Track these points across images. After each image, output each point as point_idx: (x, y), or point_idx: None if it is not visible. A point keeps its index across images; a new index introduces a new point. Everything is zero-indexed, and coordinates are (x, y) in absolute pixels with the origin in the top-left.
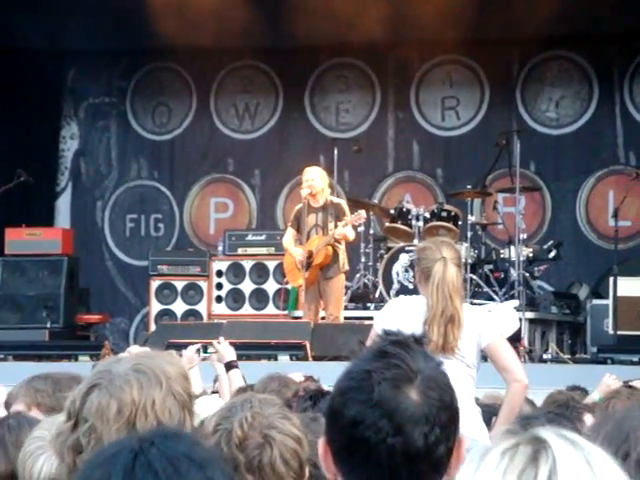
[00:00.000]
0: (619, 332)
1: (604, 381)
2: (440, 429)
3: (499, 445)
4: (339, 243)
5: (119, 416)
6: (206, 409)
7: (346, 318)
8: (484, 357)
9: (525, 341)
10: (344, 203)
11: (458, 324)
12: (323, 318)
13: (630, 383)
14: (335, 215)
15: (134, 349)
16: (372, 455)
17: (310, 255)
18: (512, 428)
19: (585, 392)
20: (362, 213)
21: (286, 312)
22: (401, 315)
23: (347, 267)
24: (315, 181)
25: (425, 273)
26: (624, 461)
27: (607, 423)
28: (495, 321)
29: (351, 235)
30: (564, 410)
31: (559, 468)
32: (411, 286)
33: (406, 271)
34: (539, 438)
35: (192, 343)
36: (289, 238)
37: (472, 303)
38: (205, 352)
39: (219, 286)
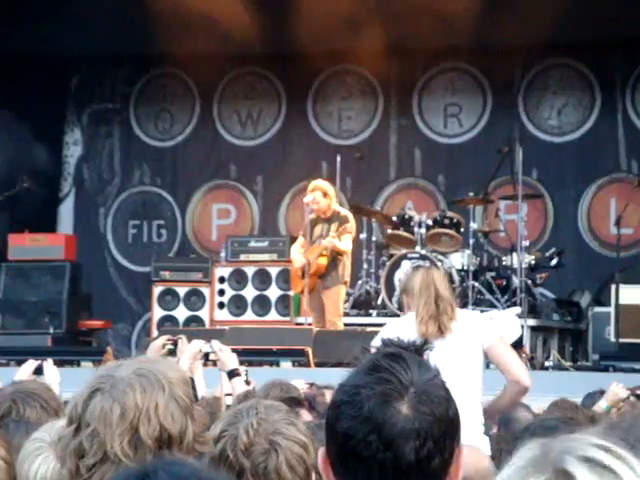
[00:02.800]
0: (621, 340)
1: (611, 389)
2: (433, 443)
3: None
4: (340, 254)
5: (122, 420)
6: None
7: (348, 325)
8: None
9: (527, 348)
10: (350, 216)
11: (450, 307)
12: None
13: (638, 392)
14: (338, 226)
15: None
16: (364, 469)
17: (309, 264)
18: (535, 452)
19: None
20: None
21: (289, 318)
22: (401, 331)
23: (347, 279)
24: (320, 204)
25: (409, 292)
26: None
27: (613, 433)
28: (494, 324)
29: (343, 246)
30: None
31: None
32: None
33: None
34: (567, 473)
35: None
36: (297, 246)
37: (474, 310)
38: (207, 357)
39: (221, 292)
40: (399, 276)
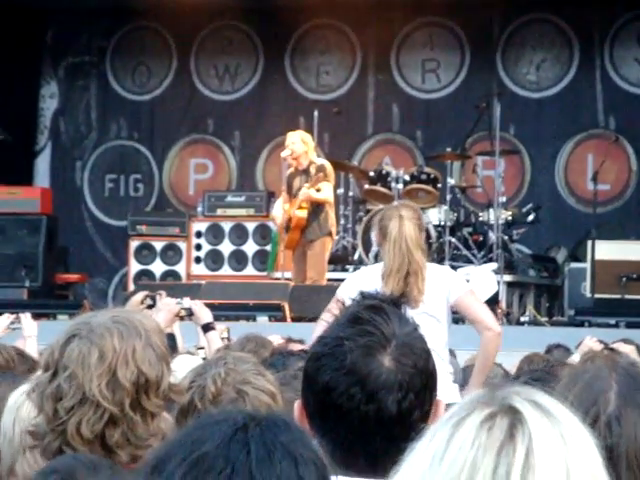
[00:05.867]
0: (596, 295)
1: (585, 343)
2: (414, 395)
3: (473, 415)
4: (320, 205)
5: (100, 363)
6: (186, 367)
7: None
8: (462, 319)
9: (503, 304)
10: (326, 164)
11: (422, 277)
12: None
13: (611, 345)
14: (314, 176)
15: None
16: (345, 421)
17: (290, 218)
18: (483, 392)
19: (567, 350)
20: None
21: (265, 273)
22: (363, 281)
23: (331, 229)
24: (296, 145)
25: (382, 232)
26: (594, 423)
27: (576, 384)
28: (461, 278)
29: (321, 195)
30: (542, 374)
31: (536, 447)
32: None
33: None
34: (514, 409)
35: None
36: (280, 202)
37: (451, 266)
38: (190, 313)
39: (198, 247)
40: (377, 234)
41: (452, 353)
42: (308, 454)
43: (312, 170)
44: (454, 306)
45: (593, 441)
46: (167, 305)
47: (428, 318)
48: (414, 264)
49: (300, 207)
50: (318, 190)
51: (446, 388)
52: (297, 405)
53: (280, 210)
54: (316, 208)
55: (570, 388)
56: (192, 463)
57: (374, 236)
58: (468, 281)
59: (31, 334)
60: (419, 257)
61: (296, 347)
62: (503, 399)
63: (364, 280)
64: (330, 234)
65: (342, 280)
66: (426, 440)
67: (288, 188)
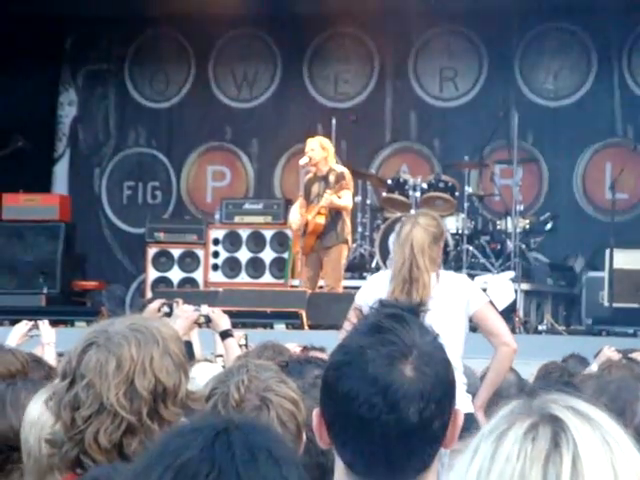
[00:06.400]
0: (614, 304)
1: (603, 352)
2: (435, 405)
3: (515, 426)
4: (339, 212)
5: (118, 371)
6: (205, 375)
7: (344, 288)
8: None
9: (520, 312)
10: (345, 171)
11: (423, 285)
12: (321, 287)
13: (629, 355)
14: (334, 183)
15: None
16: (366, 431)
17: (307, 224)
18: (520, 403)
19: (583, 359)
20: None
21: (283, 281)
22: (378, 287)
23: (347, 237)
24: (315, 151)
25: (397, 236)
26: None
27: (602, 395)
28: (480, 289)
29: (343, 202)
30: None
31: (582, 453)
32: None
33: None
34: (555, 417)
35: None
36: (296, 207)
37: (469, 274)
38: (208, 320)
39: (216, 254)
40: (393, 239)
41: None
42: (289, 455)
43: (331, 177)
44: (472, 317)
45: (633, 442)
46: (185, 312)
47: (439, 327)
48: (416, 270)
49: (319, 213)
50: (339, 197)
51: (460, 398)
52: (315, 414)
53: (297, 215)
54: (334, 215)
55: (596, 399)
56: (177, 470)
57: (392, 243)
58: (485, 290)
59: (49, 341)
60: (423, 264)
61: (317, 355)
62: (542, 408)
63: (377, 285)
64: (346, 242)
65: (359, 288)
66: (468, 456)
67: (306, 193)
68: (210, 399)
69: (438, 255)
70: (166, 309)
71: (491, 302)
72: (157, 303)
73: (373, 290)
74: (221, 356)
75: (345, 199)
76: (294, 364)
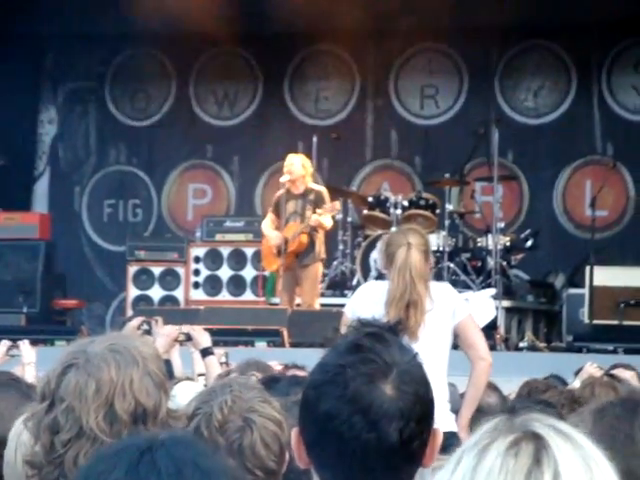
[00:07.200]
0: (594, 321)
1: (586, 369)
2: (415, 423)
3: (498, 441)
4: (316, 231)
5: (97, 395)
6: (186, 393)
7: (323, 305)
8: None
9: (501, 329)
10: (325, 191)
11: (421, 309)
12: (299, 305)
13: (612, 372)
14: (314, 202)
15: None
16: (346, 449)
17: (286, 242)
18: (502, 419)
19: (563, 382)
20: (337, 204)
21: (264, 299)
22: (369, 300)
23: (324, 255)
24: (294, 166)
25: (389, 258)
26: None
27: (614, 405)
28: (464, 302)
29: (328, 223)
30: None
31: (562, 471)
32: None
33: None
34: (537, 435)
35: None
36: (268, 223)
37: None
38: (189, 337)
39: (197, 272)
40: (374, 257)
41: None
42: (217, 466)
43: (311, 196)
44: (455, 327)
45: (610, 464)
46: (165, 330)
47: (426, 346)
48: (414, 294)
49: (303, 232)
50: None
51: (444, 417)
52: (294, 433)
53: (273, 232)
54: (312, 233)
55: (606, 410)
56: None
57: (379, 259)
58: None
59: (30, 361)
60: (421, 288)
61: (299, 373)
62: (525, 426)
63: (369, 298)
64: (322, 260)
65: (340, 305)
66: (450, 468)
67: (277, 209)
68: (193, 419)
69: (429, 271)
70: (145, 327)
71: (472, 315)
72: (136, 321)
73: (366, 303)
74: (203, 375)
75: (329, 219)
76: (282, 384)
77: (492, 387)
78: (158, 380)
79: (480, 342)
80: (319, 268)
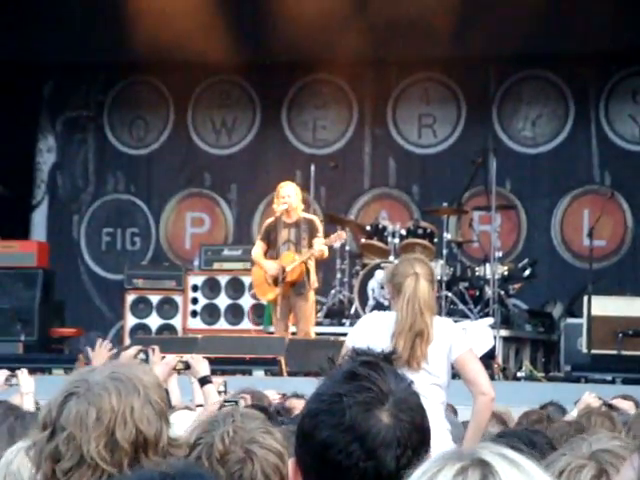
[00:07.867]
0: (593, 351)
1: (584, 399)
2: (412, 451)
3: (445, 469)
4: (310, 259)
5: (98, 424)
6: (184, 422)
7: (321, 334)
8: (454, 374)
9: (499, 359)
10: (317, 220)
11: (427, 339)
12: (294, 333)
13: (609, 402)
14: (309, 231)
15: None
16: (343, 478)
17: (283, 271)
18: (451, 449)
19: (559, 407)
20: (343, 234)
21: (261, 327)
22: (372, 330)
23: (316, 284)
24: (292, 198)
25: (397, 288)
26: None
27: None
28: (465, 335)
29: (326, 252)
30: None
31: None
32: (386, 303)
33: (382, 288)
34: (484, 461)
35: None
36: (259, 251)
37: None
38: (187, 365)
39: (194, 301)
40: (372, 286)
41: (453, 409)
42: None
43: (304, 225)
44: (453, 363)
45: None
46: (165, 360)
47: (427, 376)
48: (421, 325)
49: (303, 262)
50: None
51: (445, 446)
52: (291, 463)
53: (268, 261)
54: (306, 262)
55: None
56: None
57: (387, 288)
58: None
59: (28, 390)
60: (427, 318)
61: (298, 403)
62: (472, 454)
63: (373, 329)
64: (315, 288)
65: (338, 334)
66: None
67: (268, 237)
68: (195, 449)
69: (435, 301)
70: (142, 356)
71: (472, 349)
72: (133, 350)
73: (368, 334)
74: (201, 406)
75: (326, 248)
76: (285, 418)
77: (500, 419)
78: (159, 408)
79: (480, 377)
80: (313, 296)
